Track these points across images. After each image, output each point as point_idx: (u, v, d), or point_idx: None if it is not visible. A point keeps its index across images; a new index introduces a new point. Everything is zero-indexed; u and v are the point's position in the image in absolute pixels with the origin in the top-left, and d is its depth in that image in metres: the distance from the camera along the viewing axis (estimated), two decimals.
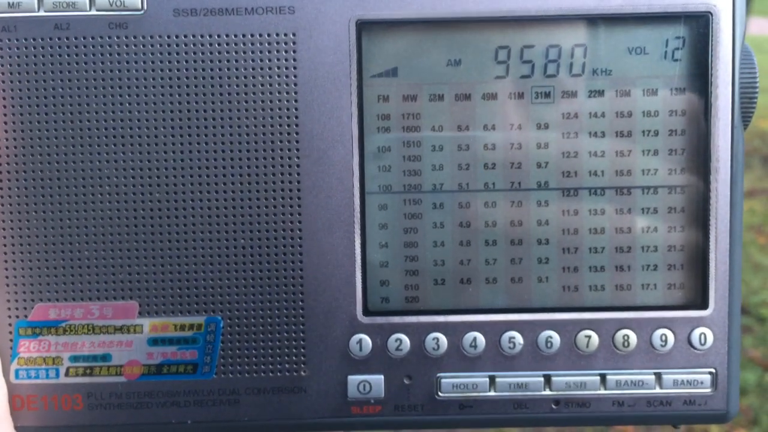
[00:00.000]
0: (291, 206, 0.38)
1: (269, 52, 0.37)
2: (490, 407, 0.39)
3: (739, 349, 0.39)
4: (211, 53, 0.37)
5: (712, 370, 0.39)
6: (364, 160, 0.38)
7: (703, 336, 0.39)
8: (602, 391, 0.39)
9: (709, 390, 0.39)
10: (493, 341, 0.39)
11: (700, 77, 0.38)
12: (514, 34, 0.38)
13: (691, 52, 0.38)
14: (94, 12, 0.37)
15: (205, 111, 0.37)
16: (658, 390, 0.39)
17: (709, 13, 0.38)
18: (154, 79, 0.37)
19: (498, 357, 0.39)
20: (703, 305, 0.39)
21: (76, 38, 0.37)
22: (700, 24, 0.38)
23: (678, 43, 0.38)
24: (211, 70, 0.37)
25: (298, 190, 0.38)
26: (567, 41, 0.38)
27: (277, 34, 0.37)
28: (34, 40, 0.37)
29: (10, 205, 0.37)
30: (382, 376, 0.39)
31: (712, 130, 0.38)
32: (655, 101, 0.38)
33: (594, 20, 0.38)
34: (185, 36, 0.37)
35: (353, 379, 0.39)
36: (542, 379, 0.39)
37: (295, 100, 0.38)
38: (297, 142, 0.38)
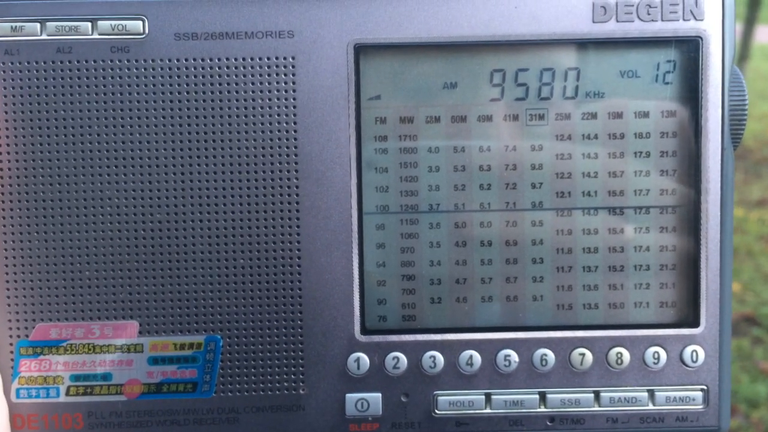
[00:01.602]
0: (290, 226, 0.38)
1: (269, 75, 0.38)
2: (486, 424, 0.40)
3: (729, 367, 0.40)
4: (211, 77, 0.38)
5: (704, 387, 0.40)
6: (361, 181, 0.39)
7: (694, 353, 0.40)
8: (596, 408, 0.40)
9: (701, 407, 0.40)
10: (489, 359, 0.39)
11: (690, 100, 0.39)
12: (509, 57, 0.39)
13: (682, 76, 0.39)
14: (96, 36, 0.38)
15: (205, 133, 0.38)
16: (651, 407, 0.40)
17: (699, 37, 0.38)
18: (155, 102, 0.38)
19: (494, 375, 0.39)
20: (695, 323, 0.40)
21: (78, 62, 0.38)
22: (691, 48, 0.39)
23: (669, 67, 0.39)
24: (212, 93, 0.38)
25: (297, 210, 0.38)
26: (561, 65, 0.39)
27: (277, 58, 0.38)
28: (36, 63, 0.38)
29: (12, 225, 0.38)
30: (379, 394, 0.39)
31: (703, 152, 0.39)
32: (646, 123, 0.39)
33: (587, 44, 0.39)
34: (186, 60, 0.38)
35: (351, 397, 0.39)
36: (537, 396, 0.40)
37: (294, 122, 0.38)
38: (296, 163, 0.38)
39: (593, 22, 0.38)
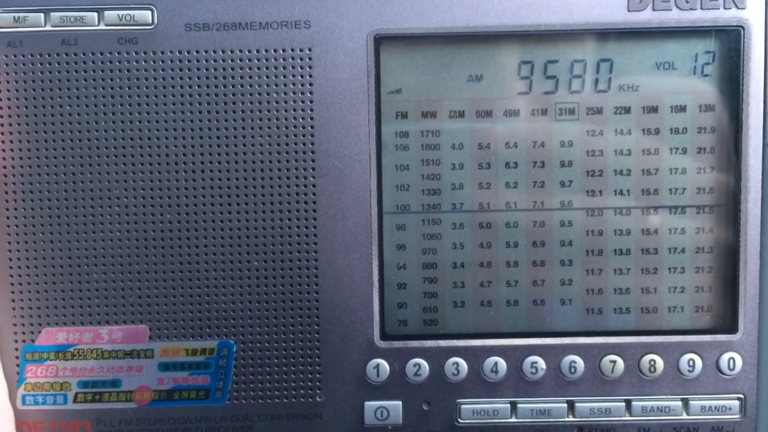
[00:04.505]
0: (306, 227, 0.37)
1: (284, 68, 0.36)
2: None
3: None
4: (224, 69, 0.36)
5: (741, 396, 0.38)
6: (381, 179, 0.37)
7: (732, 361, 0.38)
8: (627, 418, 0.38)
9: (737, 416, 0.38)
10: (515, 366, 0.38)
11: (730, 93, 0.37)
12: (538, 48, 0.37)
13: (722, 68, 0.37)
14: (102, 27, 0.36)
15: (218, 129, 0.36)
16: (685, 416, 0.38)
17: (741, 27, 0.36)
18: (164, 96, 0.36)
19: (520, 382, 0.38)
20: (732, 329, 0.38)
21: (84, 54, 0.36)
22: (732, 39, 0.37)
23: (708, 58, 0.37)
24: (224, 86, 0.36)
25: (314, 210, 0.37)
26: (592, 56, 0.37)
27: (293, 50, 0.36)
28: (40, 55, 0.36)
29: (17, 226, 0.37)
30: (400, 402, 0.38)
31: (743, 148, 0.37)
32: (683, 118, 0.37)
33: (621, 34, 0.37)
34: (197, 52, 0.36)
35: (370, 405, 0.38)
36: (565, 405, 0.38)
37: (311, 118, 0.36)
38: (313, 161, 0.37)
39: (628, 10, 0.36)
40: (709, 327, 0.38)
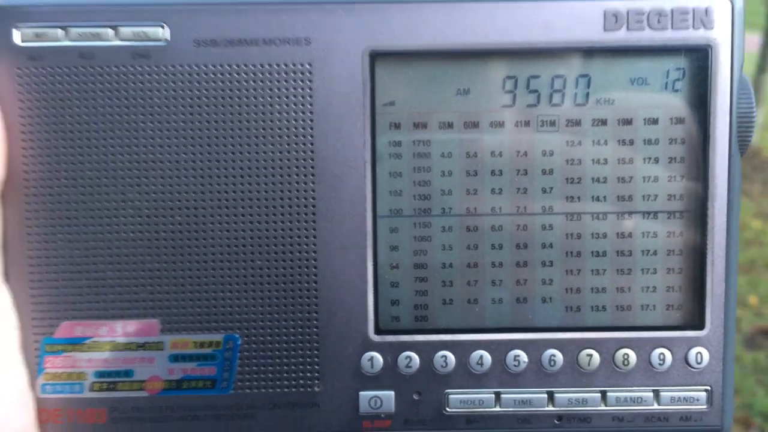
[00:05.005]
0: (306, 229, 0.39)
1: (286, 81, 0.39)
2: (496, 422, 0.41)
3: (733, 368, 0.41)
4: (230, 82, 0.39)
5: (708, 388, 0.41)
6: (376, 185, 0.40)
7: (699, 355, 0.41)
8: (603, 408, 0.41)
9: (704, 407, 0.41)
10: (499, 359, 0.41)
11: (699, 107, 0.40)
12: (521, 64, 0.39)
13: (691, 83, 0.40)
14: (117, 42, 0.38)
15: (224, 138, 0.39)
16: (656, 406, 0.41)
17: (709, 46, 0.39)
18: (175, 107, 0.39)
19: (503, 374, 0.41)
20: (700, 326, 0.40)
21: (100, 67, 0.38)
22: (700, 57, 0.39)
23: (678, 75, 0.40)
24: (231, 98, 0.39)
25: (313, 213, 0.39)
26: (572, 72, 0.39)
27: (294, 65, 0.39)
28: (59, 68, 0.38)
29: (37, 227, 0.39)
30: (392, 392, 0.40)
31: (710, 158, 0.40)
32: (655, 130, 0.40)
33: (598, 52, 0.39)
34: (206, 66, 0.38)
35: (365, 394, 0.40)
36: (546, 395, 0.41)
37: (311, 128, 0.39)
38: (312, 168, 0.39)
39: (604, 30, 0.39)
40: (678, 324, 0.41)
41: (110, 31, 0.38)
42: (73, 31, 0.38)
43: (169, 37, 0.38)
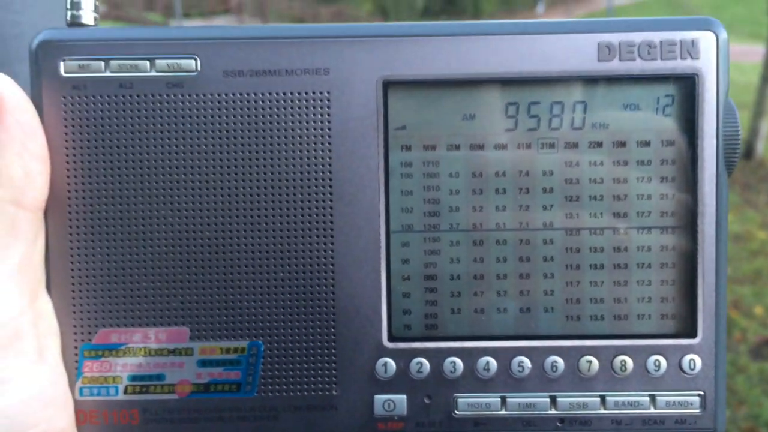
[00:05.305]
0: (325, 243, 0.43)
1: (306, 108, 0.42)
2: (502, 425, 0.43)
3: (725, 374, 0.43)
4: (255, 109, 0.42)
5: (701, 393, 0.43)
6: (389, 203, 0.43)
7: (692, 362, 0.43)
8: (602, 411, 0.43)
9: (698, 410, 0.43)
10: (504, 365, 0.43)
11: (688, 130, 0.42)
12: (522, 92, 0.43)
13: (680, 109, 0.43)
14: (153, 73, 0.42)
15: (250, 160, 0.42)
16: (652, 410, 0.43)
17: (696, 74, 0.42)
18: (206, 131, 0.42)
19: (508, 379, 0.43)
20: (693, 334, 0.43)
21: (138, 96, 0.42)
22: (688, 84, 0.42)
23: (668, 101, 0.43)
24: (256, 124, 0.42)
25: (332, 229, 0.42)
26: (569, 99, 0.43)
27: (314, 93, 0.42)
28: (101, 97, 0.42)
29: (78, 242, 0.42)
30: (404, 396, 0.43)
31: (699, 178, 0.42)
32: (647, 151, 0.43)
33: (593, 81, 0.42)
34: (233, 94, 0.42)
35: (379, 398, 0.43)
36: (548, 399, 0.43)
37: (329, 150, 0.42)
38: (331, 187, 0.42)
39: (599, 60, 0.42)
40: (672, 332, 0.43)
41: (147, 63, 0.42)
42: (114, 63, 0.42)
43: (200, 68, 0.42)
